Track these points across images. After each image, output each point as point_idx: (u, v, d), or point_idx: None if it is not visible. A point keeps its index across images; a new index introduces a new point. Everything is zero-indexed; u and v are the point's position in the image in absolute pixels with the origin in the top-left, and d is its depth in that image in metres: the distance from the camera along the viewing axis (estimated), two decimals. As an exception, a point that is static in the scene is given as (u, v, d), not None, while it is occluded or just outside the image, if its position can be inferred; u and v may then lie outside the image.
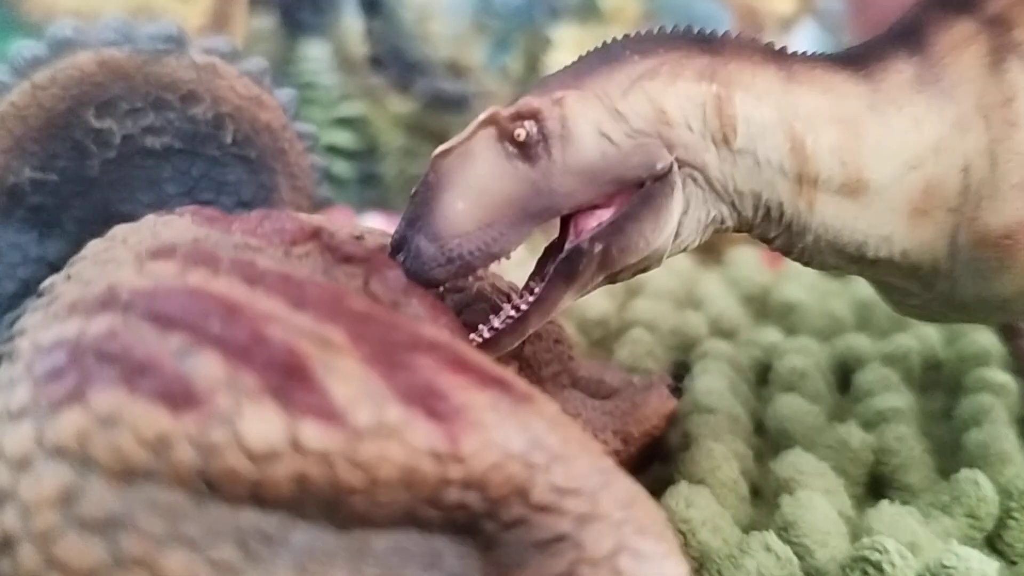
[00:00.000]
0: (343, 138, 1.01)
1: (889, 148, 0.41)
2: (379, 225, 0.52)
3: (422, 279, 0.37)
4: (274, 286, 0.28)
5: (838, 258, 0.44)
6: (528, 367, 0.47)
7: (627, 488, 0.28)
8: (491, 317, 0.40)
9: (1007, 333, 0.56)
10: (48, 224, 0.48)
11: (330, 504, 0.25)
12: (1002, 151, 0.41)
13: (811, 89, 0.42)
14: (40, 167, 0.47)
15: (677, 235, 0.42)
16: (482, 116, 0.39)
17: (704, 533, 0.45)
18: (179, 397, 0.24)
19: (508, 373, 0.28)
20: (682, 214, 0.42)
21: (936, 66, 0.42)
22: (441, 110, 1.00)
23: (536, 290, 0.40)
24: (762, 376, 0.66)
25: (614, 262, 0.40)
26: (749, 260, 0.84)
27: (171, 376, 0.25)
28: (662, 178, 0.40)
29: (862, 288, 0.78)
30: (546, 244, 0.42)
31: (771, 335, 0.71)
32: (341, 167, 0.99)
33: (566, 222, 0.41)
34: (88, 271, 0.33)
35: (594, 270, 0.40)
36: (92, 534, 0.23)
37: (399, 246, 0.38)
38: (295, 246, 0.34)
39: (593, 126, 0.39)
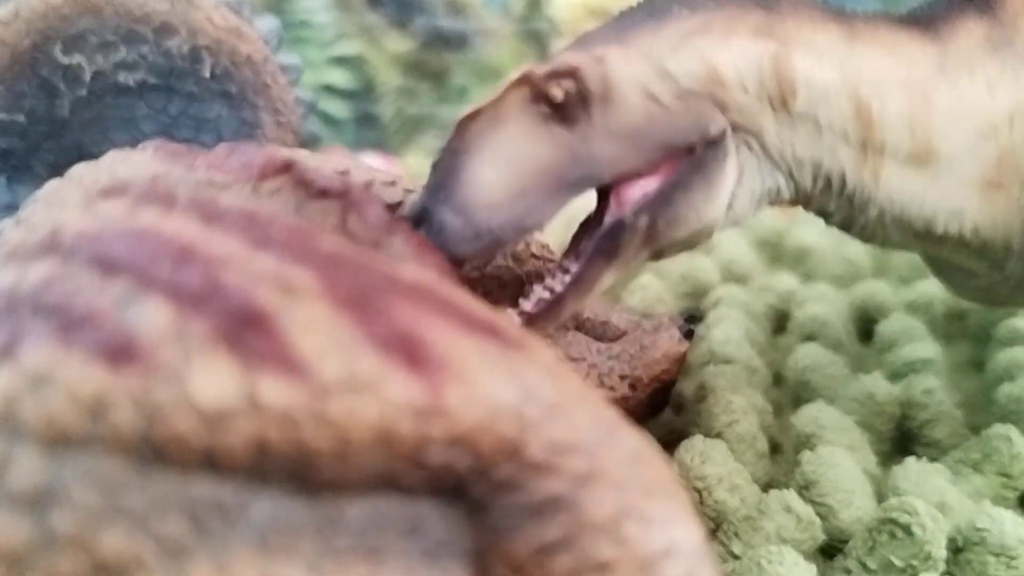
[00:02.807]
0: (339, 77, 0.97)
1: (960, 115, 0.38)
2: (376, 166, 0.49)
3: (447, 256, 0.34)
4: (235, 225, 0.25)
5: (903, 234, 0.40)
6: (527, 310, 0.44)
7: (632, 443, 0.25)
8: (521, 300, 0.37)
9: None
10: (17, 168, 0.45)
11: (295, 469, 0.22)
12: None
13: (876, 49, 0.38)
14: (6, 108, 0.44)
15: (730, 207, 0.39)
16: (514, 75, 0.36)
17: (720, 491, 0.42)
18: (119, 351, 0.21)
19: (499, 317, 0.25)
20: (735, 184, 0.38)
21: (1008, 27, 0.39)
22: (440, 48, 0.96)
23: (573, 269, 0.37)
24: (778, 324, 0.64)
25: (661, 237, 0.37)
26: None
27: (111, 327, 0.22)
28: (715, 143, 0.37)
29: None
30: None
31: (786, 281, 0.68)
32: (337, 107, 0.96)
33: (606, 193, 0.37)
34: (37, 214, 0.30)
35: (638, 246, 0.37)
36: (20, 510, 0.21)
37: (420, 219, 0.35)
38: (264, 181, 0.30)
39: (638, 86, 0.36)
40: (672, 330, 0.49)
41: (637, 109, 0.36)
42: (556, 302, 0.37)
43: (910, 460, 0.46)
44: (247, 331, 0.22)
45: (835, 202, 0.40)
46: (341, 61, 0.97)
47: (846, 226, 0.41)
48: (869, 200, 0.39)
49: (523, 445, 0.23)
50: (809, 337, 0.59)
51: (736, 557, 0.41)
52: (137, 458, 0.21)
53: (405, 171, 0.89)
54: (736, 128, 0.38)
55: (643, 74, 0.36)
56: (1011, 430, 0.46)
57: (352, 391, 0.22)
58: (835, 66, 0.38)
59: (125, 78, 0.45)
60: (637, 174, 0.37)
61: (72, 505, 0.21)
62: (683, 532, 0.25)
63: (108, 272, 0.23)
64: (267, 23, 0.48)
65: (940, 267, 0.45)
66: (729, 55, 0.37)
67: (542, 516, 0.23)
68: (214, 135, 0.47)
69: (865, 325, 0.64)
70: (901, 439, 0.51)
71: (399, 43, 0.99)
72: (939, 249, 0.41)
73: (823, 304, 0.62)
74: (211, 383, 0.21)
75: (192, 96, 0.46)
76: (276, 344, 0.22)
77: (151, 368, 0.21)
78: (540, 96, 0.36)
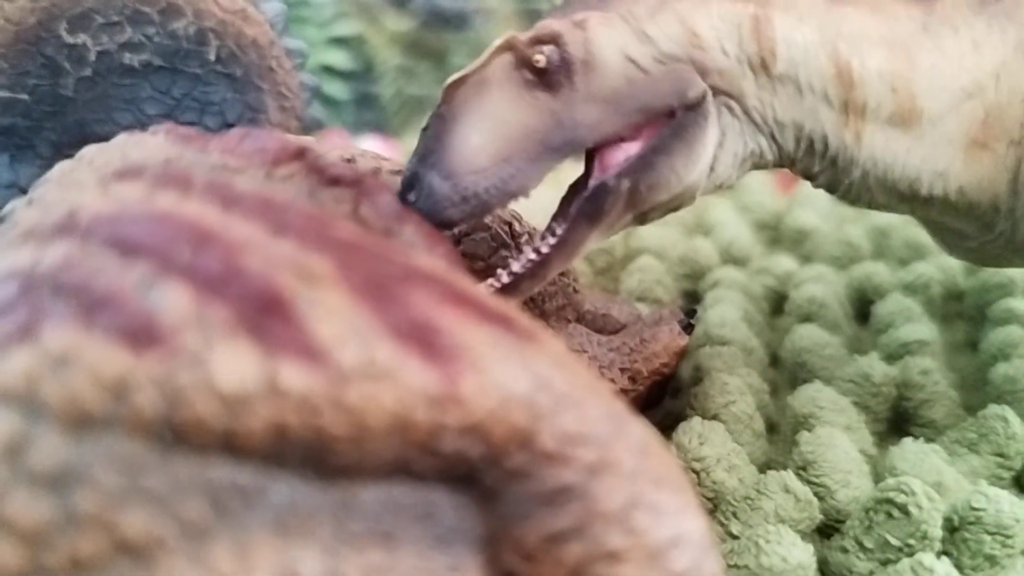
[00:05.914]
0: (338, 58, 0.96)
1: (944, 73, 0.38)
2: (376, 148, 0.49)
3: (435, 220, 0.35)
4: (252, 211, 0.25)
5: (888, 196, 0.40)
6: (531, 301, 0.45)
7: (641, 435, 0.25)
8: (510, 261, 0.38)
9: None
10: (20, 147, 0.45)
11: (313, 454, 0.22)
12: None
13: (857, 8, 0.38)
14: (10, 86, 0.44)
15: (712, 170, 0.39)
16: (498, 42, 0.37)
17: (719, 472, 0.43)
18: (141, 334, 0.22)
19: (510, 308, 0.26)
20: (717, 147, 0.39)
21: None
22: (440, 27, 0.96)
23: (559, 231, 0.38)
24: (776, 306, 0.64)
25: (643, 200, 0.38)
26: (760, 184, 0.82)
27: (133, 310, 0.22)
28: (695, 107, 0.37)
29: (878, 214, 0.76)
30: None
31: (785, 263, 0.69)
32: (336, 88, 0.95)
33: (590, 158, 0.38)
34: (50, 195, 0.30)
35: (621, 209, 0.37)
36: (42, 489, 0.21)
37: (410, 184, 0.35)
38: (278, 167, 0.31)
39: (619, 50, 0.37)
40: (672, 323, 0.49)
41: (618, 74, 0.37)
42: (542, 263, 0.38)
43: (907, 440, 0.46)
44: (267, 316, 0.22)
45: (819, 164, 0.40)
46: (340, 41, 0.96)
47: (831, 188, 0.42)
48: (852, 162, 0.39)
49: (535, 434, 0.23)
50: (806, 318, 0.59)
51: (734, 537, 0.41)
52: (158, 440, 0.21)
53: (405, 152, 0.89)
54: (716, 91, 0.38)
55: (623, 39, 0.37)
56: (1006, 410, 0.47)
57: (370, 378, 0.22)
58: (815, 26, 0.38)
59: (130, 59, 0.45)
60: (619, 138, 0.37)
61: (94, 485, 0.21)
62: (691, 523, 0.25)
63: (128, 255, 0.23)
64: (273, 6, 0.47)
65: (934, 228, 0.45)
66: (708, 18, 0.38)
67: (553, 505, 0.24)
68: (218, 118, 0.47)
69: (862, 306, 0.64)
70: (897, 419, 0.52)
71: (398, 22, 0.98)
72: (926, 211, 0.42)
73: (821, 285, 0.62)
74: (232, 368, 0.21)
75: (197, 78, 0.46)
76: (296, 330, 0.22)
77: (173, 352, 0.21)
78: (523, 61, 0.36)
